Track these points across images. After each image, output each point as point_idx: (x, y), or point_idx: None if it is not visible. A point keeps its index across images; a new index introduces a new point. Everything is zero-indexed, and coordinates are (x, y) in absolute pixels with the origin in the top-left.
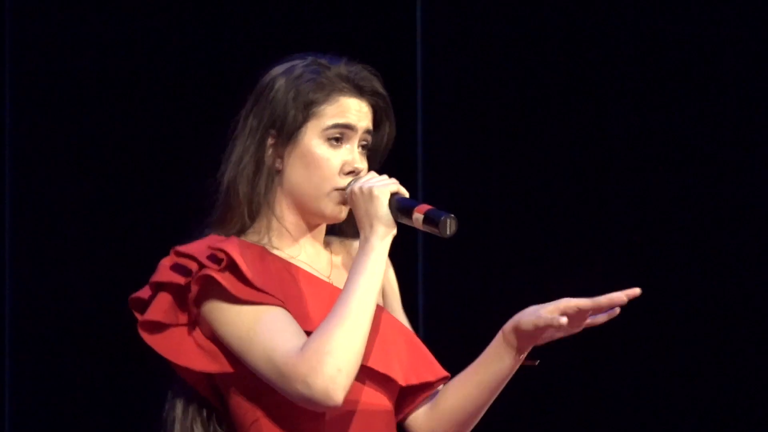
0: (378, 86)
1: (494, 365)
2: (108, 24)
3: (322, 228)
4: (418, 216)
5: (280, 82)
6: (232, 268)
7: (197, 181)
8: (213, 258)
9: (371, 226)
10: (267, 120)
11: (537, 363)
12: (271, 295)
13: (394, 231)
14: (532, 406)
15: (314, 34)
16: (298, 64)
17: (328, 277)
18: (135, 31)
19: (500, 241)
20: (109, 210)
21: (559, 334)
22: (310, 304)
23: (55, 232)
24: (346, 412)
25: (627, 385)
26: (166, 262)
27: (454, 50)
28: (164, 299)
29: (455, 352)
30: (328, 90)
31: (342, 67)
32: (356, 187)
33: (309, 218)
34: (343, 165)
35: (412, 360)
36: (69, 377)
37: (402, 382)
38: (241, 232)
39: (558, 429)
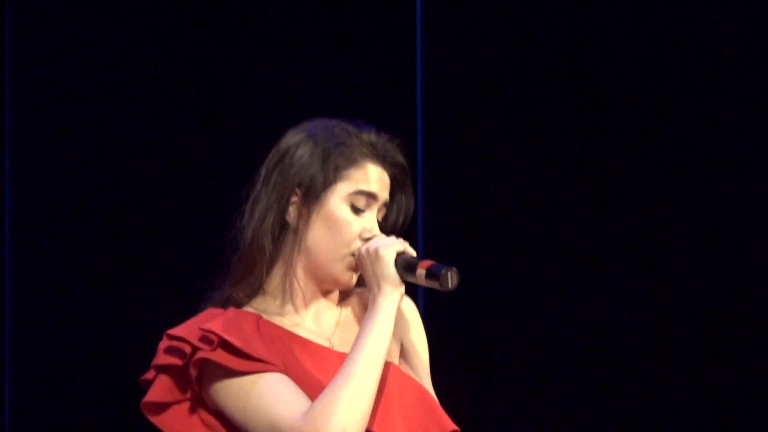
0: (401, 158)
1: None
2: (108, 24)
3: (335, 293)
4: (420, 272)
5: (309, 143)
6: (225, 345)
7: (201, 190)
8: (205, 339)
9: (379, 286)
10: (293, 178)
11: None
12: (268, 362)
13: (402, 290)
14: (532, 406)
15: (314, 33)
16: (327, 126)
17: (329, 339)
18: (135, 31)
19: (500, 242)
20: (110, 211)
21: None
22: (309, 372)
23: (56, 234)
24: None
25: (627, 385)
26: (162, 345)
27: (454, 50)
28: (164, 380)
29: (454, 353)
30: (357, 155)
31: (371, 135)
32: (363, 248)
33: (320, 283)
34: (362, 231)
35: (419, 415)
36: (69, 380)
37: None
38: (259, 290)
39: (558, 429)
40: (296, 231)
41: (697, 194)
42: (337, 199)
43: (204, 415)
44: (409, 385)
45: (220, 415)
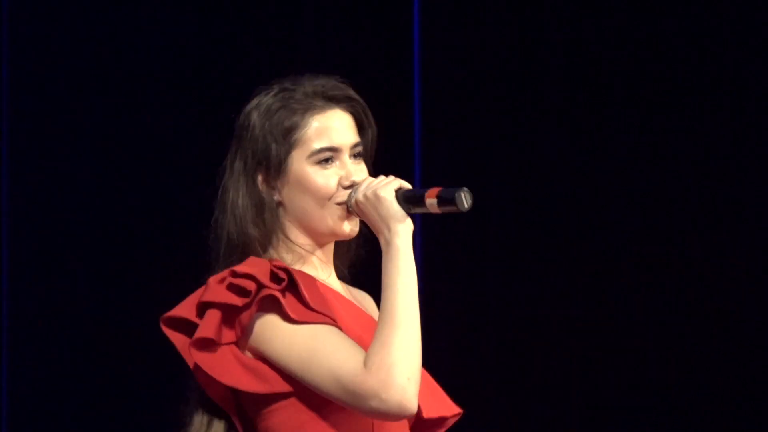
0: (348, 91)
1: None
2: (108, 23)
3: (331, 247)
4: (431, 201)
5: (254, 118)
6: (292, 288)
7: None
8: (274, 277)
9: (389, 228)
10: (251, 159)
11: None
12: (326, 315)
13: (412, 226)
14: (533, 407)
15: (312, 33)
16: (267, 95)
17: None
18: (136, 31)
19: (499, 240)
20: (108, 211)
21: None
22: (351, 327)
23: (53, 234)
24: None
25: (626, 386)
26: (217, 281)
27: (452, 49)
28: (214, 317)
29: (453, 348)
30: (301, 113)
31: (307, 85)
32: (359, 195)
33: (320, 238)
34: (340, 180)
35: (429, 394)
36: (66, 379)
37: (425, 414)
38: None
39: (558, 429)
40: (278, 204)
41: (696, 194)
42: (299, 165)
43: (246, 361)
44: None
45: (261, 359)
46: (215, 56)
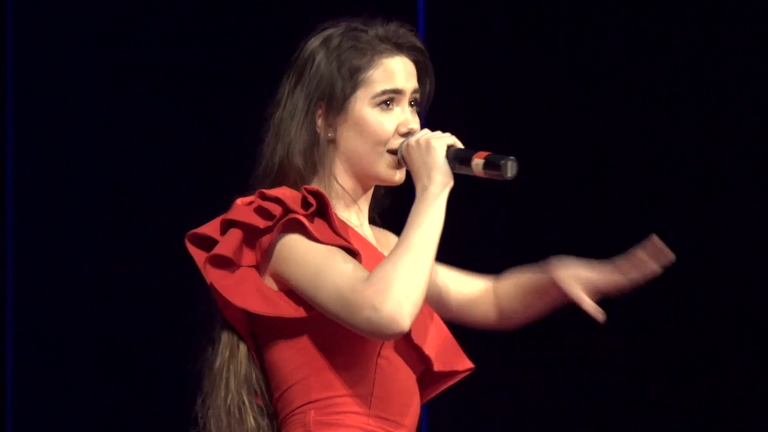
0: (416, 41)
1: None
2: (110, 23)
3: (371, 193)
4: (478, 162)
5: (320, 55)
6: (320, 214)
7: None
8: (304, 202)
9: (429, 176)
10: (314, 94)
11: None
12: (348, 242)
13: (452, 183)
14: (532, 407)
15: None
16: (334, 33)
17: (377, 247)
18: (136, 30)
19: (500, 237)
20: (111, 207)
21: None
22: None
23: (58, 228)
24: (392, 385)
25: (627, 386)
26: (245, 203)
27: (453, 48)
28: (235, 236)
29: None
30: (370, 55)
31: (379, 29)
32: (412, 140)
33: (365, 181)
34: (398, 127)
35: (442, 347)
36: (70, 374)
37: (435, 368)
38: None
39: (558, 429)
40: (331, 142)
41: (696, 193)
42: (361, 105)
43: (262, 286)
44: (431, 316)
45: (279, 289)
46: (215, 51)
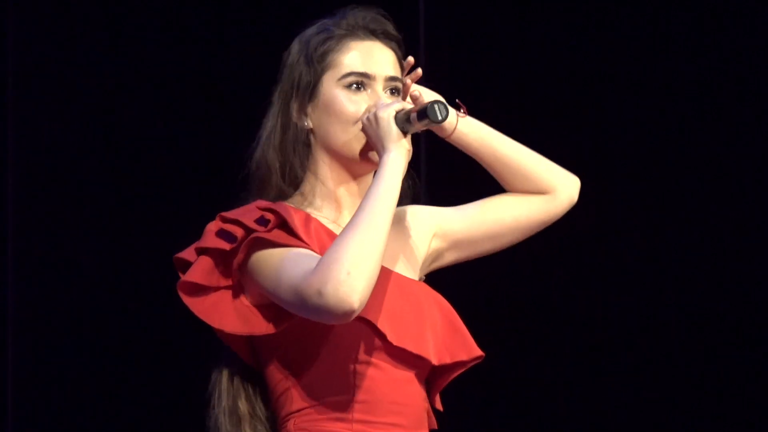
0: (390, 29)
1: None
2: (110, 23)
3: (364, 186)
4: (413, 116)
5: (294, 49)
6: (282, 226)
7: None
8: (261, 220)
9: (383, 146)
10: (287, 87)
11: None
12: (307, 244)
13: (406, 144)
14: (532, 407)
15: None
16: (309, 30)
17: None
18: (137, 30)
19: None
20: (112, 208)
21: None
22: None
23: (58, 231)
24: (378, 388)
25: (626, 386)
26: (211, 228)
27: (453, 48)
28: (205, 263)
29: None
30: (338, 38)
31: (349, 17)
32: (364, 118)
33: (350, 169)
34: (368, 108)
35: (447, 337)
36: (71, 374)
37: (435, 362)
38: (279, 197)
39: (558, 429)
40: (309, 132)
41: (696, 193)
42: (329, 88)
43: (238, 305)
44: (438, 304)
45: (257, 304)
46: (215, 51)
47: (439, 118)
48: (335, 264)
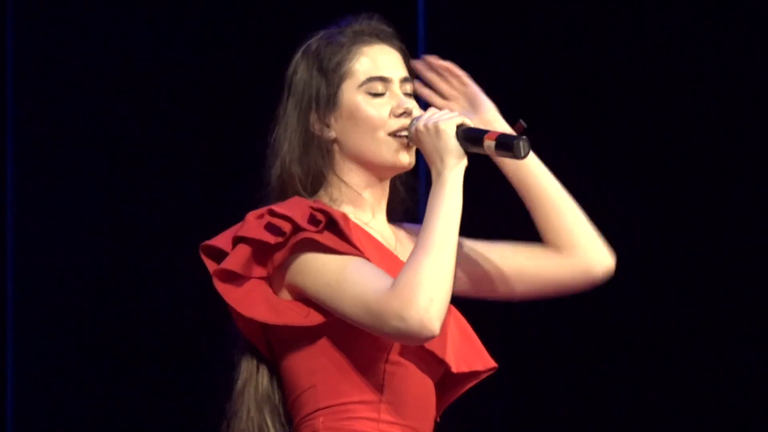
0: (392, 30)
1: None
2: (111, 23)
3: (389, 188)
4: (489, 143)
5: (302, 64)
6: (331, 227)
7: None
8: (312, 219)
9: (442, 160)
10: (303, 100)
11: (521, 124)
12: (359, 250)
13: (465, 162)
14: (532, 408)
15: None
16: (312, 41)
17: (395, 250)
18: (138, 29)
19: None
20: (112, 208)
21: None
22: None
23: (58, 229)
24: (406, 390)
25: (626, 386)
26: (254, 218)
27: (454, 48)
28: (244, 251)
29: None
30: (348, 46)
31: (354, 24)
32: (420, 125)
33: (377, 173)
34: (393, 110)
35: (464, 346)
36: (71, 374)
37: (454, 369)
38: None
39: (558, 429)
40: (333, 141)
41: (696, 193)
42: (350, 97)
43: (270, 296)
44: (452, 313)
45: (287, 300)
46: (215, 51)
47: (522, 154)
48: (417, 290)
